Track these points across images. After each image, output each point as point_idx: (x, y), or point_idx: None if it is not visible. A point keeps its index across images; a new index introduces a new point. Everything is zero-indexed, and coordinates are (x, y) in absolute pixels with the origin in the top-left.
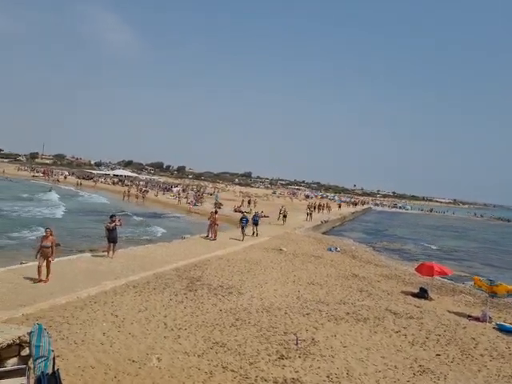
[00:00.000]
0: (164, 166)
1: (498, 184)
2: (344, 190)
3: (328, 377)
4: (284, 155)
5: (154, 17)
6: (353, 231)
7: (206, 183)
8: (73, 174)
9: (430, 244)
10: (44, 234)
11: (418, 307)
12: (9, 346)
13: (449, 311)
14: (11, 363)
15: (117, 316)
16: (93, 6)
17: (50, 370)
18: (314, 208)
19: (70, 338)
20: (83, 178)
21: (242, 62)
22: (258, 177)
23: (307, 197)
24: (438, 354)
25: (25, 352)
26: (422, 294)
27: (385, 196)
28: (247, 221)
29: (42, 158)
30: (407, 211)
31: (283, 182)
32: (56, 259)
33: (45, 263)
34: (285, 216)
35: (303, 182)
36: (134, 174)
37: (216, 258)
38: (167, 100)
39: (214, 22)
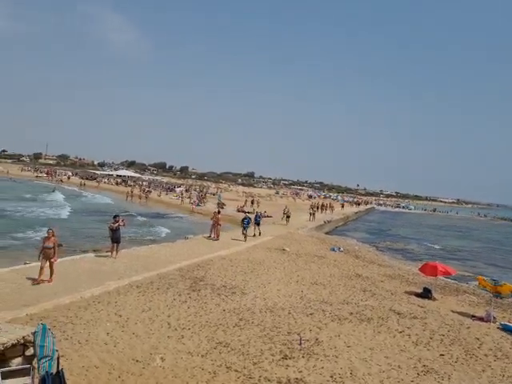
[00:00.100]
0: (167, 167)
1: (501, 184)
2: (347, 190)
3: (332, 377)
4: (286, 155)
5: (153, 17)
6: (356, 231)
7: (209, 183)
8: (76, 174)
9: (434, 244)
10: (46, 234)
11: (421, 307)
12: (13, 345)
13: (453, 311)
14: (16, 363)
15: (120, 316)
16: (93, 6)
17: (54, 370)
18: (317, 208)
19: (73, 338)
20: (86, 179)
21: (242, 62)
22: (261, 177)
23: (310, 197)
24: (441, 354)
25: (29, 352)
26: (426, 293)
27: (388, 196)
28: (249, 221)
29: (45, 159)
30: (410, 211)
31: (286, 182)
32: (59, 259)
33: (47, 264)
34: (288, 216)
35: (306, 182)
36: (137, 175)
37: (219, 258)
38: (169, 100)
39: (213, 22)
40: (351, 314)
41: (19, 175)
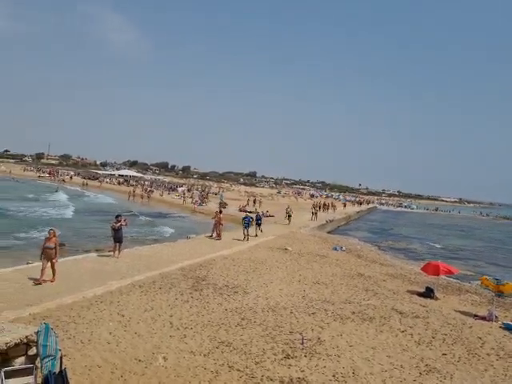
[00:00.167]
0: (169, 166)
1: (503, 183)
2: (349, 190)
3: (334, 376)
4: (288, 155)
5: (153, 17)
6: (358, 230)
7: (211, 183)
8: (78, 174)
9: (436, 243)
10: (47, 235)
11: (423, 306)
12: (16, 345)
13: (455, 310)
14: (19, 362)
15: (123, 315)
16: (93, 6)
17: (57, 369)
18: (319, 207)
19: (76, 338)
20: (89, 179)
21: (242, 62)
22: (263, 176)
23: (312, 196)
24: (444, 354)
25: (32, 351)
26: (428, 293)
27: (390, 195)
28: (250, 220)
29: (47, 159)
30: (412, 210)
31: (288, 182)
32: (62, 259)
33: (49, 264)
34: (290, 215)
35: (308, 181)
36: (139, 174)
37: (221, 257)
38: (171, 100)
39: (213, 22)
40: (353, 313)
41: (22, 175)
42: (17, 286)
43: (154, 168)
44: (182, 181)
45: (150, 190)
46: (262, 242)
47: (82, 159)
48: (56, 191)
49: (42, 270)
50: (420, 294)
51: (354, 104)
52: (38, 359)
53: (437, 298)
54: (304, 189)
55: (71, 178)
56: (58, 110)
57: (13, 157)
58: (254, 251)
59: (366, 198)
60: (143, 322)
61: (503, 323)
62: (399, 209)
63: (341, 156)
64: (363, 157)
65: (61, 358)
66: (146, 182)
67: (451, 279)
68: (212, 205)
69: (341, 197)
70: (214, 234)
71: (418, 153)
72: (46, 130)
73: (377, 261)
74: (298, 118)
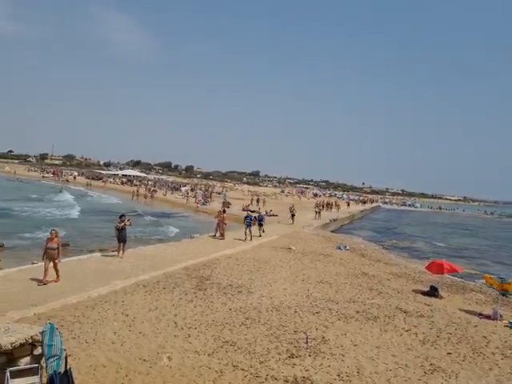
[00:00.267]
0: (172, 166)
1: (508, 181)
2: (353, 189)
3: (338, 375)
4: (291, 154)
5: (154, 17)
6: (362, 229)
7: (215, 182)
8: (82, 174)
9: (440, 242)
10: (49, 235)
11: (428, 305)
12: (21, 345)
13: (459, 309)
14: (24, 362)
15: (127, 315)
16: (94, 7)
17: (62, 369)
18: (323, 206)
19: (81, 338)
20: (92, 179)
21: (242, 62)
22: (266, 176)
23: (315, 195)
24: (449, 353)
25: (37, 351)
26: (433, 292)
27: (394, 194)
28: (251, 220)
29: (51, 159)
30: (416, 209)
31: (291, 181)
32: (66, 259)
33: (51, 264)
34: (293, 215)
35: (311, 180)
36: (143, 174)
37: (225, 257)
38: (173, 100)
39: (214, 22)
40: (357, 312)
41: (26, 175)
42: (21, 285)
43: (158, 168)
44: (185, 180)
45: (153, 190)
46: (266, 241)
47: (86, 159)
48: (60, 191)
49: (45, 270)
50: (424, 293)
51: (353, 104)
52: (43, 359)
53: (441, 297)
54: (307, 188)
55: (75, 178)
56: (61, 110)
57: (17, 157)
58: (258, 251)
59: (370, 196)
60: (148, 321)
61: (510, 322)
62: (403, 207)
63: (344, 155)
64: (366, 156)
65: (66, 357)
66: (150, 182)
67: (455, 278)
68: (215, 204)
69: (344, 196)
70: (218, 234)
71: (423, 151)
72: (50, 130)
73: (381, 260)
74: (299, 117)
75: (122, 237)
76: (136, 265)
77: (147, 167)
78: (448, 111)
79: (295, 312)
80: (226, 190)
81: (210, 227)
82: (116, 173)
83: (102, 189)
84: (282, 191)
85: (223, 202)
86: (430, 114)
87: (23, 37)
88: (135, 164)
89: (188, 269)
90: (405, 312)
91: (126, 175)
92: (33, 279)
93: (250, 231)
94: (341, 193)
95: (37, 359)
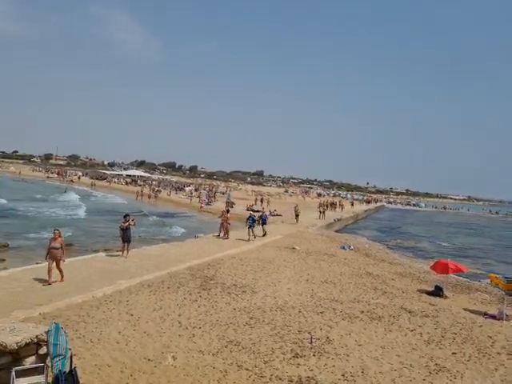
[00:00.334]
0: (176, 166)
1: None
2: (357, 188)
3: (343, 375)
4: (295, 154)
5: (154, 17)
6: (366, 229)
7: (219, 182)
8: (86, 174)
9: (445, 241)
10: (52, 235)
11: (433, 305)
12: (27, 344)
13: (464, 309)
14: (29, 361)
15: (132, 315)
16: (96, 7)
17: (67, 369)
18: (327, 206)
19: (86, 337)
20: (97, 179)
21: (242, 62)
22: (270, 175)
23: (319, 195)
24: (454, 353)
25: (42, 350)
26: (437, 291)
27: (398, 194)
28: (254, 220)
29: (56, 159)
30: (421, 209)
31: (295, 181)
32: (71, 259)
33: (55, 264)
34: (297, 215)
35: (315, 180)
36: (147, 174)
37: (229, 256)
38: (175, 100)
39: (214, 22)
40: (362, 312)
41: (31, 176)
42: (26, 285)
43: (162, 168)
44: (189, 180)
45: (157, 190)
46: (270, 241)
47: (90, 159)
48: (65, 192)
49: (49, 271)
50: (429, 293)
51: (354, 104)
52: (49, 358)
53: (446, 297)
54: (311, 188)
55: (79, 178)
56: (63, 111)
57: (21, 157)
58: (262, 250)
59: (374, 196)
60: (152, 321)
61: None
62: (407, 207)
63: (348, 155)
64: (371, 156)
65: (71, 357)
66: (154, 182)
67: (460, 278)
68: (219, 204)
69: (348, 195)
70: (222, 234)
71: (426, 151)
72: (54, 130)
73: (385, 259)
74: (299, 117)
75: (126, 237)
76: (140, 264)
77: (151, 167)
78: (449, 111)
79: (299, 312)
80: (230, 190)
81: (214, 227)
82: (120, 173)
83: (106, 189)
84: (286, 191)
85: (227, 202)
86: (432, 114)
87: (23, 37)
88: (139, 164)
89: (192, 269)
90: (409, 312)
91: (130, 175)
92: (38, 279)
93: (252, 231)
94: (345, 192)
95: (42, 358)
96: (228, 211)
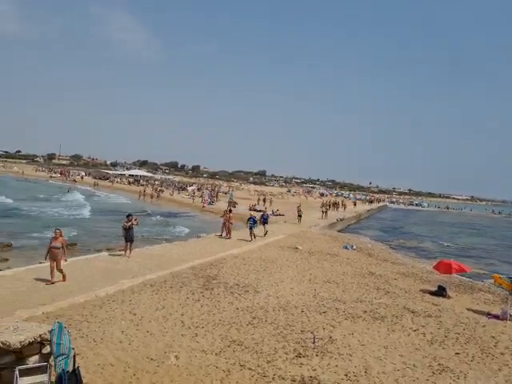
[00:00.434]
0: (179, 166)
1: None
2: (359, 188)
3: (346, 375)
4: (297, 154)
5: (154, 17)
6: (369, 229)
7: (221, 182)
8: (89, 174)
9: (447, 241)
10: (53, 234)
11: (436, 305)
12: (30, 343)
13: (468, 309)
14: (33, 361)
15: (135, 314)
16: (95, 7)
17: (70, 368)
18: (329, 206)
19: (89, 336)
20: (100, 179)
21: (242, 62)
22: (273, 175)
23: (322, 195)
24: (457, 353)
25: (46, 350)
26: (440, 291)
27: (401, 193)
28: (255, 221)
29: (58, 159)
30: (423, 208)
31: (298, 181)
32: (74, 258)
33: (55, 264)
34: (300, 215)
35: (318, 180)
36: (150, 174)
37: (231, 256)
38: (178, 100)
39: (214, 22)
40: (365, 312)
41: (34, 175)
42: (29, 285)
43: (164, 168)
44: (191, 180)
45: (160, 190)
46: (272, 240)
47: (93, 159)
48: (68, 191)
49: (52, 271)
50: (432, 293)
51: (354, 104)
52: (52, 357)
53: (449, 297)
54: (314, 187)
55: (82, 178)
56: (65, 111)
57: (24, 157)
58: (264, 250)
59: (377, 196)
60: (155, 320)
61: None
62: (410, 207)
63: (351, 155)
64: (373, 156)
65: (74, 356)
66: (156, 182)
67: (463, 278)
68: (221, 204)
69: (351, 195)
70: (224, 233)
71: (429, 151)
72: (57, 130)
73: (388, 259)
74: (299, 117)
75: (129, 236)
76: (143, 264)
77: (154, 167)
78: (449, 111)
79: (302, 311)
80: (233, 190)
81: (217, 227)
82: (123, 173)
83: (109, 189)
84: (289, 191)
85: (229, 202)
86: (432, 114)
87: (24, 37)
88: (142, 164)
89: (195, 268)
90: (412, 312)
91: (132, 175)
92: (41, 278)
93: (252, 232)
94: (347, 192)
95: (45, 358)
96: (230, 211)
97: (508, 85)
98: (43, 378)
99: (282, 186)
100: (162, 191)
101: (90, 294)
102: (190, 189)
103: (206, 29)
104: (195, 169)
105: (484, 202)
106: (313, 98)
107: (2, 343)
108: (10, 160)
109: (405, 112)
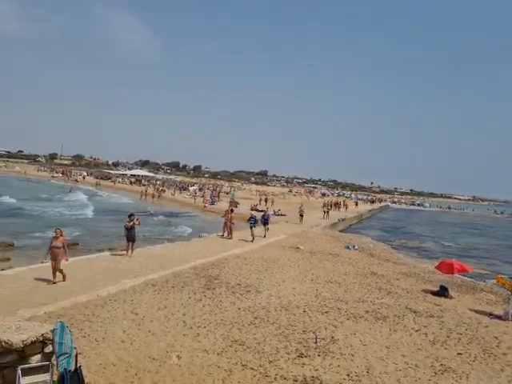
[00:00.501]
0: (180, 166)
1: None
2: (361, 188)
3: (348, 375)
4: (298, 154)
5: (154, 17)
6: (370, 229)
7: (223, 182)
8: (91, 174)
9: (449, 242)
10: (54, 234)
11: (438, 305)
12: (33, 343)
13: (470, 309)
14: (35, 360)
15: (136, 314)
16: (95, 7)
17: (72, 367)
18: (331, 206)
19: (91, 336)
20: (101, 178)
21: (242, 62)
22: (274, 175)
23: (323, 195)
24: (459, 353)
25: (48, 349)
26: (442, 292)
27: (402, 193)
28: (256, 220)
29: (60, 159)
30: (425, 209)
31: (299, 181)
32: (76, 258)
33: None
34: (301, 215)
35: (319, 180)
36: (151, 174)
37: (233, 256)
38: (180, 100)
39: (214, 22)
40: (367, 312)
41: (36, 175)
42: (31, 284)
43: (166, 167)
44: (193, 180)
45: (161, 190)
46: (274, 240)
47: (95, 159)
48: (70, 191)
49: (53, 271)
50: (434, 293)
51: (354, 104)
52: (54, 357)
53: (451, 297)
54: (315, 187)
55: (84, 178)
56: (67, 111)
57: (26, 157)
58: (266, 250)
59: (379, 196)
60: (157, 320)
61: None
62: (412, 207)
63: (352, 155)
64: (375, 156)
65: (76, 355)
66: (158, 182)
67: (465, 278)
68: (223, 204)
69: (352, 195)
70: (226, 233)
71: (431, 151)
72: (59, 130)
73: (390, 259)
74: (300, 117)
75: (131, 236)
76: (145, 264)
77: (155, 167)
78: (449, 111)
79: (304, 311)
80: (234, 190)
81: (218, 227)
82: (125, 173)
83: (111, 189)
84: (290, 191)
85: (230, 202)
86: (432, 114)
87: (24, 37)
88: (143, 164)
89: (196, 268)
90: (414, 312)
91: (134, 175)
92: (43, 278)
93: (253, 232)
94: (349, 192)
95: (47, 357)
96: (232, 211)
97: (508, 85)
98: (45, 377)
99: (283, 186)
100: (164, 191)
101: (91, 294)
102: (191, 189)
103: (206, 29)
104: (197, 169)
105: (486, 202)
106: (313, 98)
107: (5, 342)
108: (12, 160)
109: (405, 112)
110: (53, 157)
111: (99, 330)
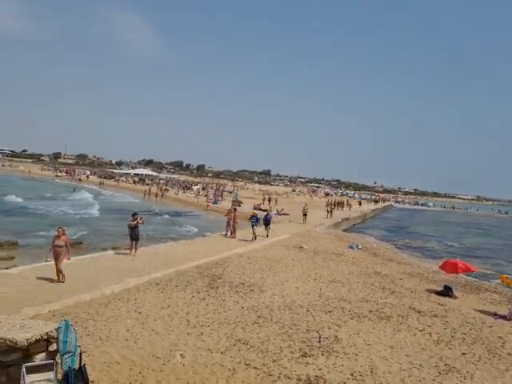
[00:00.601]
0: (184, 165)
1: None
2: (364, 188)
3: (352, 375)
4: (301, 154)
5: (154, 17)
6: (374, 229)
7: (226, 181)
8: (95, 173)
9: (453, 241)
10: (56, 233)
11: (442, 305)
12: (37, 341)
13: (474, 309)
14: (39, 358)
15: (140, 313)
16: (95, 6)
17: (76, 366)
18: (334, 205)
19: (95, 334)
20: (105, 178)
21: (242, 62)
22: (278, 175)
23: (327, 194)
24: (463, 353)
25: (52, 347)
26: (447, 291)
27: (406, 193)
28: (257, 219)
29: (64, 158)
30: (429, 208)
31: (302, 180)
32: (80, 257)
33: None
34: (305, 214)
35: (323, 179)
36: (155, 173)
37: (237, 255)
38: (181, 100)
39: (214, 22)
40: (370, 311)
41: (40, 174)
42: (35, 283)
43: (169, 167)
44: (196, 179)
45: (165, 189)
46: (278, 240)
47: (98, 158)
48: (74, 190)
49: (57, 271)
50: (438, 293)
51: (353, 104)
52: (58, 355)
53: (455, 297)
54: (319, 187)
55: (87, 177)
56: (67, 111)
57: (30, 156)
58: (270, 249)
59: (382, 196)
60: (160, 319)
61: None
62: (415, 207)
63: (348, 155)
64: (378, 155)
65: (80, 354)
66: (162, 181)
67: (470, 278)
68: (226, 203)
69: (356, 195)
70: (229, 233)
71: (435, 151)
72: (63, 129)
73: (393, 259)
74: (300, 117)
75: (134, 235)
76: (148, 263)
77: (159, 166)
78: (449, 111)
79: (308, 311)
80: (238, 189)
81: (221, 226)
82: (128, 172)
83: (114, 188)
84: (294, 190)
85: (233, 201)
86: (432, 114)
87: (24, 36)
88: (147, 163)
89: (200, 267)
90: (418, 312)
91: (138, 174)
92: (46, 277)
93: (253, 231)
94: (352, 192)
95: (52, 355)
96: (235, 210)
97: (508, 85)
98: (50, 375)
99: (286, 185)
100: (167, 190)
101: (95, 293)
102: (194, 188)
103: (206, 29)
104: (200, 168)
105: (490, 202)
106: (313, 98)
107: (9, 340)
108: (16, 159)
109: (405, 112)
110: (57, 156)
111: (103, 328)
